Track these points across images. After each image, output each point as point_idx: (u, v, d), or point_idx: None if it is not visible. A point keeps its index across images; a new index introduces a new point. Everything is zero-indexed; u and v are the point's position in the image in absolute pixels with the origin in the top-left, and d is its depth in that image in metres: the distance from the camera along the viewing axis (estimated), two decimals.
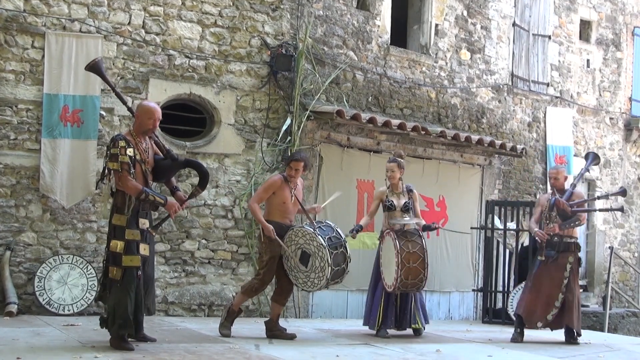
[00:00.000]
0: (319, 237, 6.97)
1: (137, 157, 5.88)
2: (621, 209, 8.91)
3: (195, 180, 7.44)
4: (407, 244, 7.64)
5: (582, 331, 9.10)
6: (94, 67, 6.29)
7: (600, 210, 8.97)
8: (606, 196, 8.63)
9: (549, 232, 7.95)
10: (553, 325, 8.13)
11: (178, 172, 6.41)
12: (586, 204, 8.21)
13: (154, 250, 6.46)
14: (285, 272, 7.17)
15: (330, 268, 6.92)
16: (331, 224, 7.36)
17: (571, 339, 8.08)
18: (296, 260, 7.05)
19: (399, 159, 7.95)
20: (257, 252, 7.35)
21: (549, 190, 8.69)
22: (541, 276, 8.05)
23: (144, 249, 5.86)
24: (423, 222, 7.98)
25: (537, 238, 8.14)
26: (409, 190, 7.98)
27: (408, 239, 7.69)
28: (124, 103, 6.49)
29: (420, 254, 7.67)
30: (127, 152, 5.79)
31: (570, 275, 7.99)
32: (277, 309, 7.30)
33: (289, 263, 7.11)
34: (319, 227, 7.15)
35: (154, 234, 6.11)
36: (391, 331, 7.88)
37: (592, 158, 8.64)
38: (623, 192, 8.67)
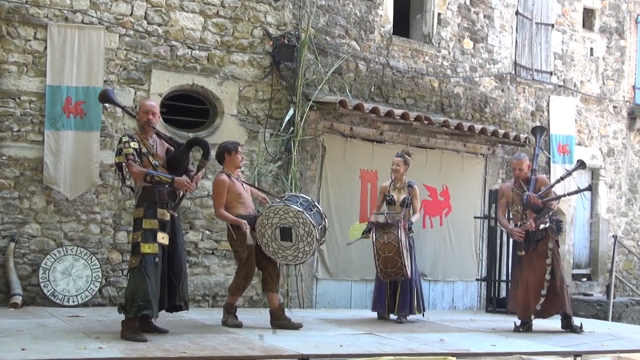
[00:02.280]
0: (293, 205, 6.89)
1: (143, 150, 6.11)
2: (589, 188, 8.72)
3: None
4: (382, 236, 8.01)
5: (586, 320, 9.14)
6: (105, 98, 6.62)
7: (569, 194, 8.77)
8: (569, 173, 8.43)
9: (527, 229, 7.89)
10: (542, 314, 8.08)
11: (190, 157, 6.48)
12: (552, 189, 8.15)
13: (184, 242, 6.61)
14: (267, 261, 7.13)
15: (316, 229, 6.86)
16: (292, 192, 7.40)
17: (570, 324, 8.05)
18: (277, 242, 6.97)
19: (406, 156, 8.43)
20: (234, 251, 7.28)
21: (512, 179, 8.53)
22: (525, 269, 8.02)
23: (162, 238, 6.03)
24: (415, 219, 8.30)
25: (514, 238, 8.07)
26: (410, 186, 8.36)
27: (385, 231, 8.04)
28: (134, 117, 6.71)
29: (395, 244, 7.93)
30: (131, 144, 6.05)
31: (553, 262, 7.98)
32: (273, 298, 7.24)
33: (270, 248, 7.01)
34: (286, 198, 7.13)
35: (175, 214, 6.23)
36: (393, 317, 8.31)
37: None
38: (582, 165, 8.41)
